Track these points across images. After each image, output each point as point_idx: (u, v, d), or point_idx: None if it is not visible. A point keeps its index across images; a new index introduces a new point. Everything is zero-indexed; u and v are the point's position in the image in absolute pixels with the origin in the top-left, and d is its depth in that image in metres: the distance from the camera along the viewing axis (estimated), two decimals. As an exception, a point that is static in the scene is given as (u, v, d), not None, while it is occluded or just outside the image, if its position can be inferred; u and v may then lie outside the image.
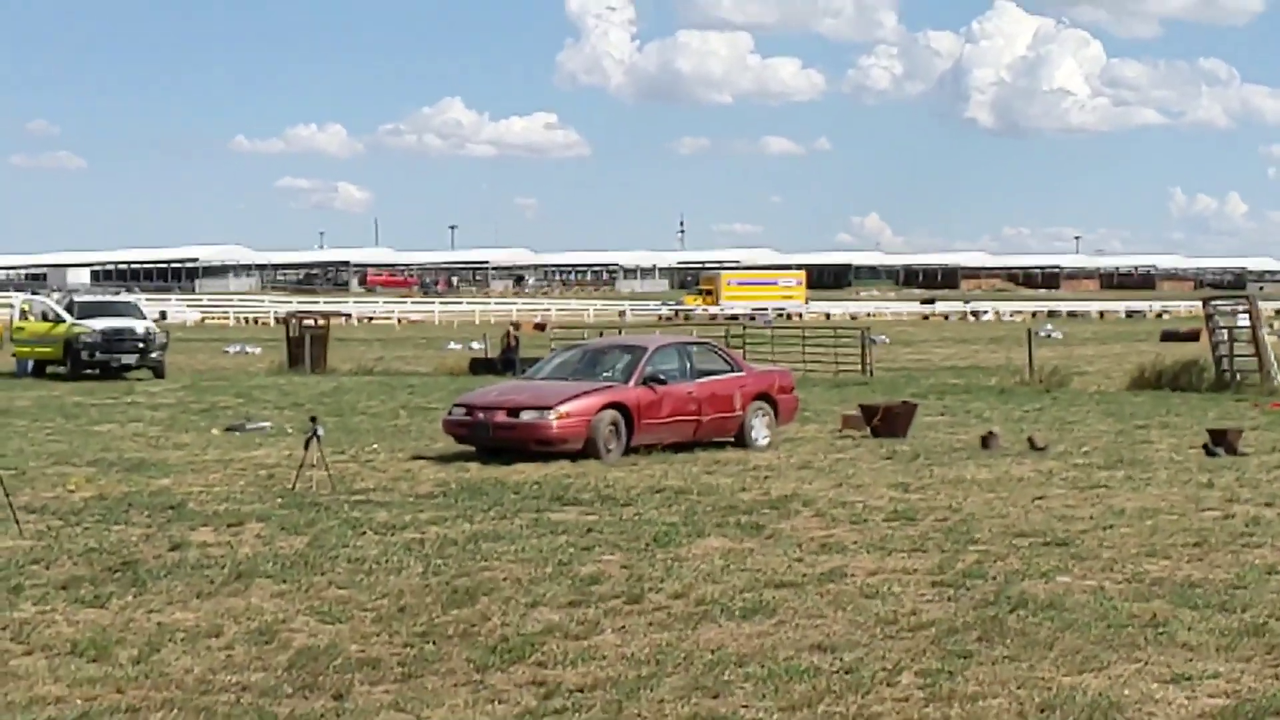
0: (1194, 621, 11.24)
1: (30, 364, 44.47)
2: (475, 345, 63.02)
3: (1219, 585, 12.53)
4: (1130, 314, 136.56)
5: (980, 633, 10.94)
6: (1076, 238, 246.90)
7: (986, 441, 23.88)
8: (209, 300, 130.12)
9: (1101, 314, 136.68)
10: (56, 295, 49.68)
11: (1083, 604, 11.80)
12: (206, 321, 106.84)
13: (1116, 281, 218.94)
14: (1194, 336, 62.79)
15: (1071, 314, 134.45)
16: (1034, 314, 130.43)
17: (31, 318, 45.74)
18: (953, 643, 10.67)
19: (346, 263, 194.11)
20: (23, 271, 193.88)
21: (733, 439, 23.89)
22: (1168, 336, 74.83)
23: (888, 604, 11.87)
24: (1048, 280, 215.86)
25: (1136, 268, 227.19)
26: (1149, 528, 15.53)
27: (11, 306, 54.57)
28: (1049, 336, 78.56)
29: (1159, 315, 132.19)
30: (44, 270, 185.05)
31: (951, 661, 10.19)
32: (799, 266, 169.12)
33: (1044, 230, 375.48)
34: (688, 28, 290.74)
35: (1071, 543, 14.58)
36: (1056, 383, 38.62)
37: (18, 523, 15.35)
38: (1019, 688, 9.54)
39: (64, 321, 43.57)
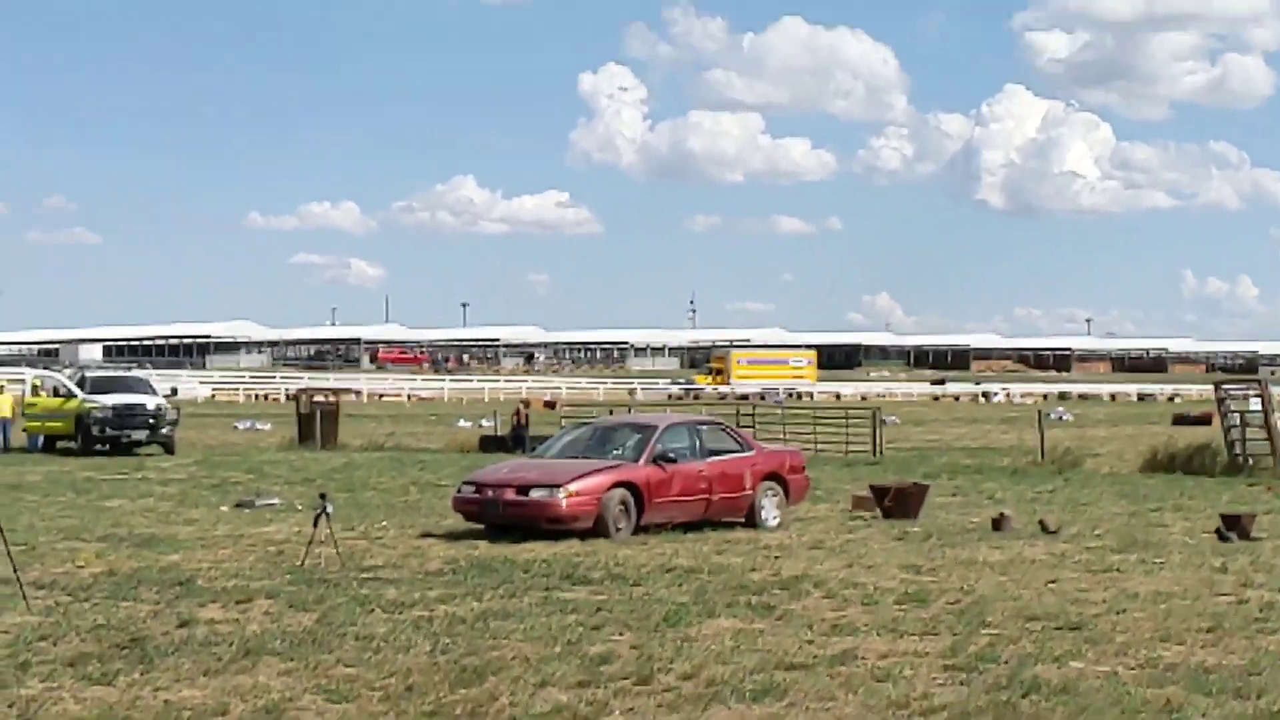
0: (1208, 708, 11.14)
1: (42, 439, 44.54)
2: (485, 422, 63.07)
3: (1234, 671, 12.42)
4: (1142, 397, 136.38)
5: (993, 717, 10.84)
6: (1088, 320, 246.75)
7: (999, 523, 23.78)
8: (220, 376, 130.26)
9: (1113, 396, 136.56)
10: (68, 371, 49.63)
11: (1096, 689, 11.70)
12: (217, 397, 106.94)
13: (1128, 364, 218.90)
14: (1206, 420, 62.70)
15: (1083, 396, 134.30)
16: (1045, 395, 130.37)
17: (44, 393, 45.83)
18: (965, 726, 10.57)
19: (358, 339, 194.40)
20: (35, 347, 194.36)
21: (743, 518, 23.80)
22: (1180, 420, 74.71)
23: (899, 687, 11.77)
24: (1059, 362, 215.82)
25: (1148, 350, 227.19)
26: (1163, 612, 15.42)
27: (24, 382, 54.69)
28: (1061, 418, 78.45)
29: (1171, 398, 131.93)
30: (57, 346, 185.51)
31: (964, 745, 10.09)
32: (809, 346, 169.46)
33: (1055, 311, 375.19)
34: (699, 108, 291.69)
35: (1085, 626, 14.47)
36: (1069, 464, 38.53)
37: (25, 599, 15.30)
38: (1032, 773, 9.44)
39: (75, 397, 43.64)
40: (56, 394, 45.03)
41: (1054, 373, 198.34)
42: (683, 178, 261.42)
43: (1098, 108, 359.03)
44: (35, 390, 46.67)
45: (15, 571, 15.73)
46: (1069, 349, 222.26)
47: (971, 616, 15.04)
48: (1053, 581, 17.72)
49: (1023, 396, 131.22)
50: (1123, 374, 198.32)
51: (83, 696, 11.46)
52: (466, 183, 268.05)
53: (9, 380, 59.66)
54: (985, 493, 31.07)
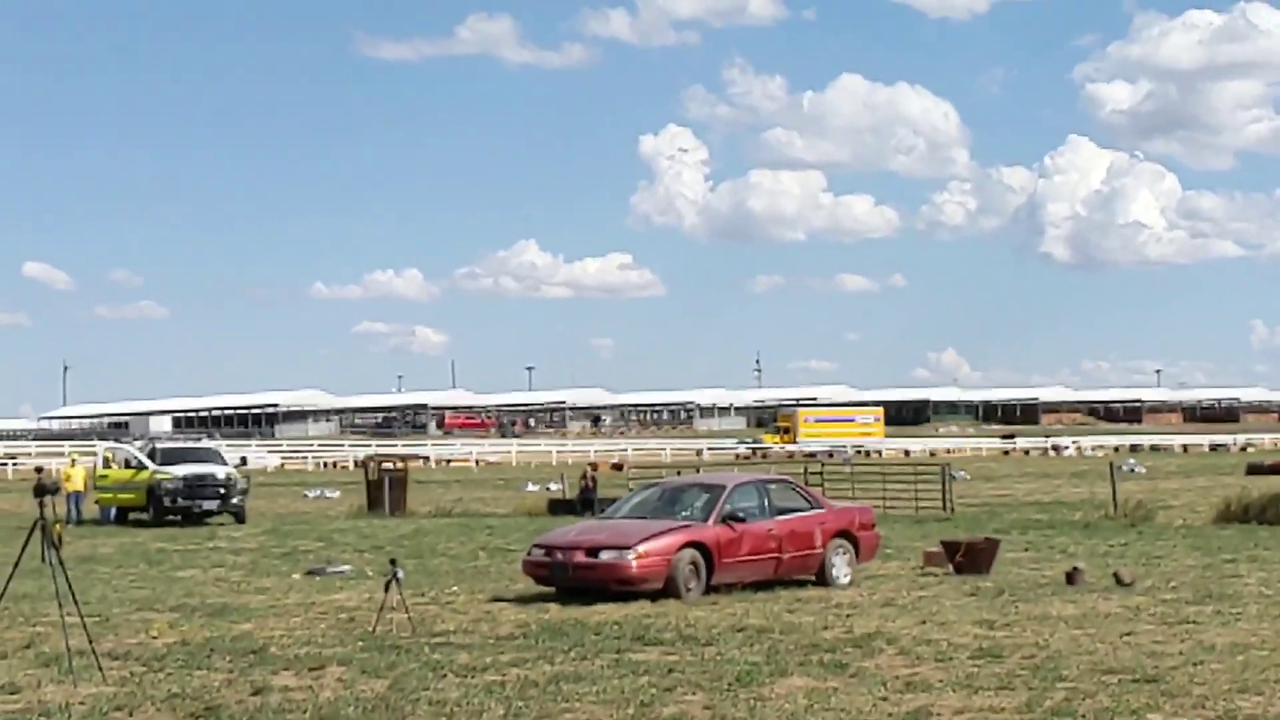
0: (1290, 758, 11.01)
1: (114, 511, 44.88)
2: (553, 486, 63.12)
3: (1314, 721, 12.28)
4: (1214, 447, 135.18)
5: (1071, 771, 10.74)
6: (1158, 371, 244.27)
7: (1072, 577, 23.61)
8: (288, 445, 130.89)
9: (1185, 447, 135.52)
10: (139, 443, 50.16)
11: (1175, 741, 11.59)
12: (286, 466, 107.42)
13: (1199, 414, 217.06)
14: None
15: (1154, 448, 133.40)
16: (1116, 448, 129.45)
17: (115, 465, 46.21)
18: (1043, 782, 10.48)
19: (424, 405, 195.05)
20: (106, 420, 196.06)
21: (814, 577, 23.72)
22: (1253, 470, 74.07)
23: (975, 743, 11.69)
24: (1129, 414, 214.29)
25: (1219, 400, 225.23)
26: (1240, 663, 15.27)
27: (95, 454, 55.12)
28: (1132, 470, 77.89)
29: (1243, 448, 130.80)
30: (127, 418, 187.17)
31: (1042, 801, 10.01)
32: (876, 403, 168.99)
33: (1124, 364, 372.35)
34: (760, 167, 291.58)
35: (1161, 679, 14.34)
36: (1141, 517, 38.25)
37: (101, 669, 15.38)
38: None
39: (146, 468, 43.98)
40: (128, 466, 45.42)
41: (1125, 425, 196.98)
42: (745, 238, 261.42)
43: (1162, 158, 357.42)
44: (106, 463, 47.06)
45: (90, 642, 15.82)
46: (1139, 400, 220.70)
47: (1047, 671, 14.92)
48: (1128, 635, 17.58)
49: (1093, 449, 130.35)
50: (1194, 424, 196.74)
51: (159, 766, 11.50)
52: (529, 247, 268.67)
53: (80, 453, 60.19)
54: (1057, 547, 30.88)
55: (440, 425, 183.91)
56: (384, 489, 47.35)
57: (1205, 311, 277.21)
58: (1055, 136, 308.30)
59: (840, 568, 23.95)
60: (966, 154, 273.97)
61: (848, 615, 19.77)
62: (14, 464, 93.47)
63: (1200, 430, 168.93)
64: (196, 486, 43.20)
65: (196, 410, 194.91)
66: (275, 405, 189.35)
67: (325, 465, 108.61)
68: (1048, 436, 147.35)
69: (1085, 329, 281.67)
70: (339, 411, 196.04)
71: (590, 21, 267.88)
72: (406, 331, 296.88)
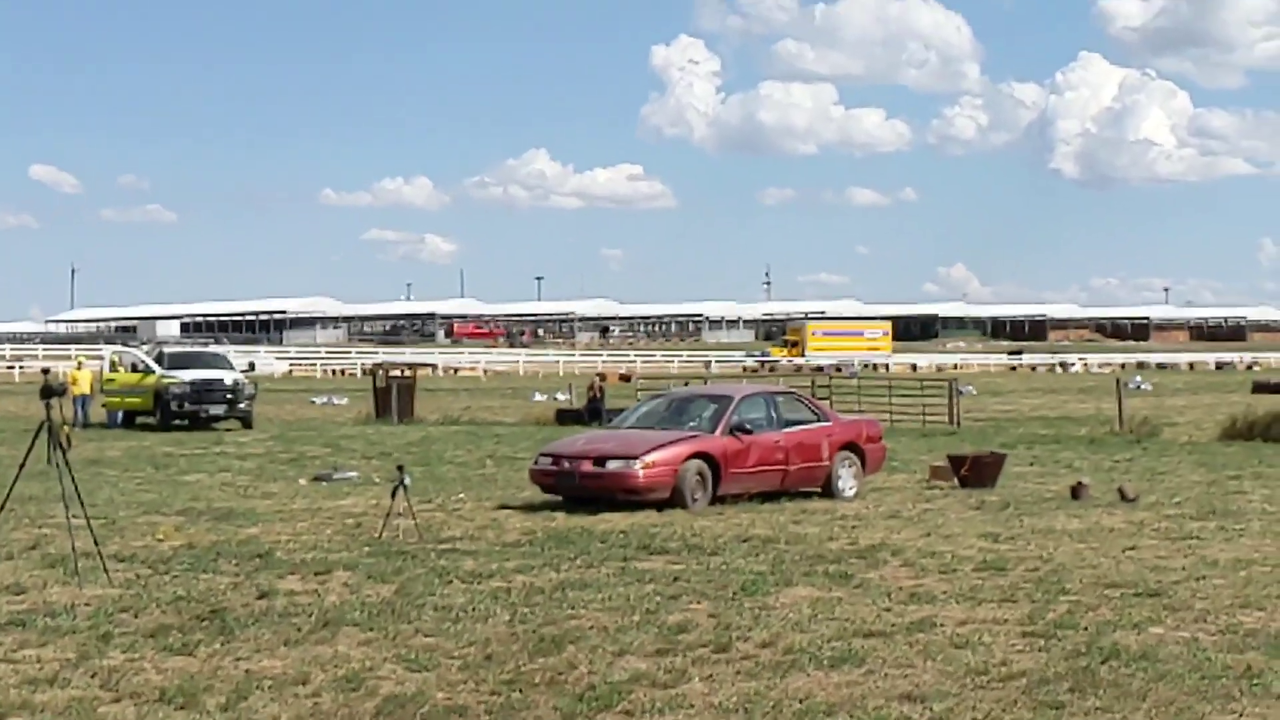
0: (1291, 673, 11.04)
1: (120, 415, 44.96)
2: (561, 396, 63.20)
3: (1316, 637, 12.31)
4: (1220, 365, 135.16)
5: (1072, 684, 10.78)
6: (1166, 289, 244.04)
7: (1076, 492, 23.65)
8: (296, 351, 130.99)
9: (1191, 365, 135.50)
10: (146, 347, 50.17)
11: (1176, 655, 11.62)
12: (294, 373, 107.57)
13: (1207, 333, 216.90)
14: (1286, 387, 62.12)
15: (1161, 365, 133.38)
16: (1123, 365, 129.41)
17: (122, 369, 46.22)
18: (1044, 694, 10.52)
19: (433, 314, 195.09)
20: (113, 324, 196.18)
21: (820, 488, 23.77)
22: (1259, 388, 74.07)
23: (978, 654, 11.72)
24: (1137, 331, 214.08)
25: (1227, 319, 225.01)
26: (1242, 579, 15.30)
27: (102, 358, 55.20)
28: (1139, 388, 77.94)
29: (1250, 367, 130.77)
30: (134, 323, 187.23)
31: (1043, 713, 10.05)
32: (885, 318, 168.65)
33: (1133, 281, 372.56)
34: (771, 79, 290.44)
35: (1164, 594, 14.37)
36: (1147, 433, 38.31)
37: (107, 571, 15.44)
38: (1113, 739, 9.38)
39: (154, 373, 44.02)
40: (135, 370, 45.44)
41: (1132, 342, 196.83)
42: (756, 150, 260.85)
43: (1173, 75, 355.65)
44: (114, 366, 47.09)
45: (96, 544, 15.88)
46: (1147, 318, 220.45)
47: (1050, 584, 14.96)
48: (1131, 549, 17.61)
49: (1100, 366, 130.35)
50: (1201, 343, 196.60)
51: (164, 667, 11.55)
52: (539, 157, 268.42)
53: (87, 357, 60.26)
54: (1063, 462, 30.93)
55: (449, 334, 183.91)
56: (392, 396, 47.43)
57: (1214, 230, 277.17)
58: (1067, 52, 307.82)
59: (846, 480, 23.99)
60: (978, 69, 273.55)
61: (853, 527, 19.82)
62: (21, 366, 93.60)
63: (1207, 348, 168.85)
64: (204, 391, 43.26)
65: (204, 315, 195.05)
66: (283, 311, 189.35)
67: (333, 372, 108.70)
68: (1055, 353, 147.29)
69: (1094, 246, 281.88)
70: (347, 319, 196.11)
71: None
72: (416, 239, 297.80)
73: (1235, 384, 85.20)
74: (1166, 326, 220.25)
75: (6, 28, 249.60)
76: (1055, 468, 29.65)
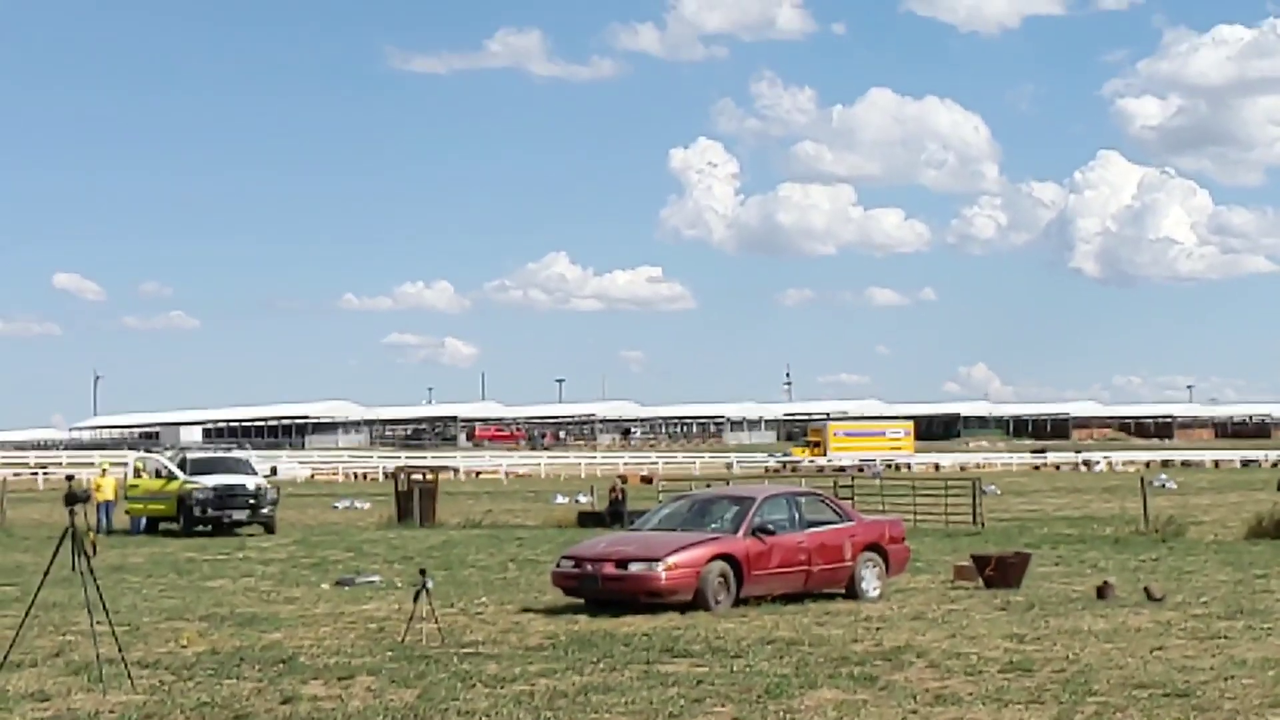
0: (1323, 774, 10.95)
1: (144, 521, 45.02)
2: (583, 498, 63.12)
3: (1347, 736, 12.21)
4: (1246, 463, 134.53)
5: (1101, 785, 10.69)
6: (1189, 386, 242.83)
7: (1102, 592, 23.53)
8: (318, 456, 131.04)
9: (1216, 463, 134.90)
10: (169, 453, 50.19)
11: (1206, 756, 11.52)
12: (316, 477, 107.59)
13: (1231, 430, 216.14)
14: (1312, 484, 61.80)
15: (1186, 463, 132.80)
16: (1148, 463, 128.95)
17: (145, 475, 46.34)
18: (1073, 796, 10.43)
19: (454, 417, 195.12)
20: (136, 430, 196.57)
21: (843, 590, 23.68)
22: (1285, 485, 73.60)
23: (1005, 756, 11.64)
24: (1161, 430, 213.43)
25: (1251, 416, 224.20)
26: (1271, 678, 15.19)
27: (126, 465, 55.31)
28: (1163, 486, 77.58)
29: (1275, 464, 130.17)
30: (157, 429, 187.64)
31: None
32: (907, 417, 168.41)
33: (1156, 379, 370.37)
34: (790, 180, 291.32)
35: (1192, 694, 14.27)
36: (1172, 532, 38.08)
37: (131, 677, 15.43)
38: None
39: (176, 479, 44.09)
40: (158, 476, 45.54)
41: (1156, 440, 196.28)
42: (775, 251, 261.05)
43: (1193, 173, 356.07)
44: (137, 473, 47.19)
45: (120, 651, 15.88)
46: (1171, 416, 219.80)
47: (1077, 685, 14.86)
48: (1159, 649, 17.51)
49: (1125, 465, 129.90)
50: (1226, 440, 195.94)
51: (188, 773, 11.52)
52: (559, 259, 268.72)
53: (111, 463, 60.35)
54: (1088, 562, 30.78)
55: (470, 437, 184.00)
56: (414, 500, 47.40)
57: (1237, 327, 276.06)
58: (1085, 151, 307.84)
59: (870, 581, 23.90)
60: (996, 169, 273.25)
61: (877, 628, 19.73)
62: (45, 473, 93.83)
63: (1232, 446, 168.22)
64: (227, 497, 43.32)
65: (227, 421, 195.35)
66: (305, 416, 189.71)
67: (355, 476, 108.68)
68: (1079, 451, 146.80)
69: (1116, 344, 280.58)
70: (369, 423, 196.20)
71: (619, 35, 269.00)
72: (436, 343, 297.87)
73: (1261, 481, 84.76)
74: (1190, 424, 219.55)
75: (30, 136, 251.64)
76: (1080, 567, 29.51)
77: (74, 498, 15.85)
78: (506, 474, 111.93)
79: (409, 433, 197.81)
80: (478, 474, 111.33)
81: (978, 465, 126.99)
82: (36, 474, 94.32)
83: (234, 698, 14.68)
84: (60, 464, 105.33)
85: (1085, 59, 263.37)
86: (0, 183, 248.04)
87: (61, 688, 15.26)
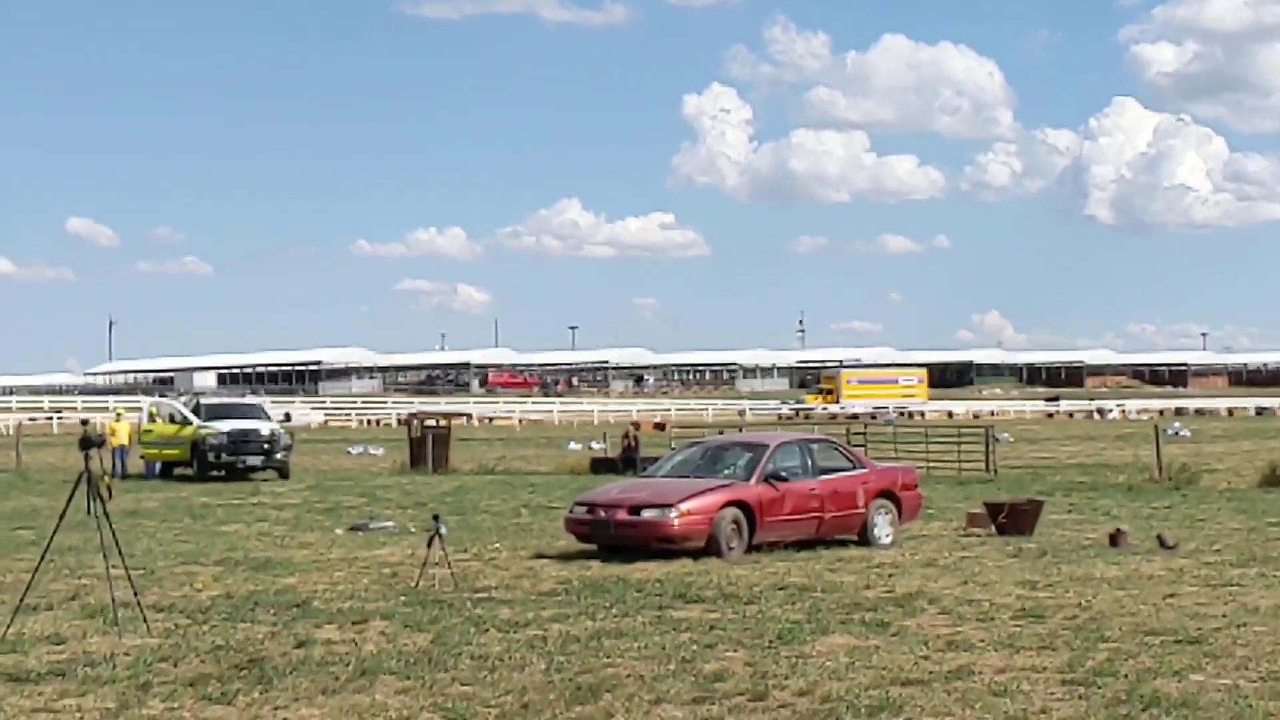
0: (1333, 720, 10.96)
1: (158, 466, 45.13)
2: (595, 445, 63.19)
3: (1358, 684, 12.21)
4: (1260, 411, 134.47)
5: (1112, 731, 10.71)
6: (1203, 334, 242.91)
7: (1115, 539, 23.55)
8: (332, 402, 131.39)
9: (1230, 411, 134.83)
10: (183, 398, 50.35)
11: (1217, 702, 11.55)
12: (330, 423, 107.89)
13: (1245, 378, 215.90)
14: (1325, 433, 61.78)
15: (1199, 411, 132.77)
16: (1161, 412, 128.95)
17: (159, 420, 46.43)
18: (1084, 741, 10.46)
19: (467, 364, 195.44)
20: (150, 375, 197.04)
21: (856, 536, 23.71)
22: (1298, 433, 73.65)
23: (1017, 702, 11.67)
24: (1175, 377, 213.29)
25: (1265, 364, 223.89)
26: (1284, 625, 15.21)
27: (140, 410, 55.42)
28: (1177, 434, 77.56)
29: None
30: (171, 374, 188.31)
31: (1083, 760, 9.99)
32: (920, 365, 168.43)
33: (1170, 327, 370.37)
34: (803, 127, 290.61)
35: (1204, 641, 14.29)
36: (1186, 480, 38.09)
37: (146, 621, 15.49)
38: (1154, 787, 9.32)
39: (191, 424, 44.21)
40: (172, 421, 45.65)
41: (1170, 388, 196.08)
42: (788, 198, 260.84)
43: (1209, 120, 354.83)
44: (151, 418, 47.27)
45: (135, 595, 15.93)
46: (1185, 364, 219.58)
47: (1089, 632, 14.88)
48: (1171, 596, 17.52)
49: (1138, 413, 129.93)
50: (1240, 388, 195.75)
51: (203, 716, 11.58)
52: (571, 206, 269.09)
53: (125, 408, 60.51)
54: (1100, 509, 30.79)
55: (484, 384, 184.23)
56: (427, 446, 47.48)
57: (1252, 275, 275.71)
58: (1100, 98, 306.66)
59: (882, 527, 23.93)
60: (1011, 115, 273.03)
61: (890, 575, 19.76)
62: (60, 418, 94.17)
63: (1246, 394, 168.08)
64: (241, 442, 43.44)
65: (241, 366, 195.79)
66: (319, 362, 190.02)
67: (368, 422, 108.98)
68: (1092, 399, 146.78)
69: (1131, 292, 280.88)
70: (382, 369, 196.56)
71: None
72: (449, 289, 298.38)
73: (1275, 430, 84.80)
74: (1204, 372, 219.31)
75: (42, 81, 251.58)
76: (1093, 515, 29.53)
77: (89, 442, 15.88)
78: (520, 420, 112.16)
79: (422, 379, 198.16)
80: (491, 420, 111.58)
81: (991, 413, 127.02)
82: (51, 418, 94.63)
83: (248, 641, 14.74)
84: (75, 409, 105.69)
85: (1100, 5, 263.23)
86: (13, 128, 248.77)
87: (77, 631, 15.33)
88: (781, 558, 21.64)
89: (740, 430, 68.02)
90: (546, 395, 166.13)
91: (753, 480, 22.55)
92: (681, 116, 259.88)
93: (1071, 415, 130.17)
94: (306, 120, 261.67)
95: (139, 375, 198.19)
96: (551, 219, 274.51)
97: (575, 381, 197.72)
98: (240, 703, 11.97)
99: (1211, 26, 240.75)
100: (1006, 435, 72.38)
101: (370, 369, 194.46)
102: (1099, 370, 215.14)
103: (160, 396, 70.95)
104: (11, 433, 62.78)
